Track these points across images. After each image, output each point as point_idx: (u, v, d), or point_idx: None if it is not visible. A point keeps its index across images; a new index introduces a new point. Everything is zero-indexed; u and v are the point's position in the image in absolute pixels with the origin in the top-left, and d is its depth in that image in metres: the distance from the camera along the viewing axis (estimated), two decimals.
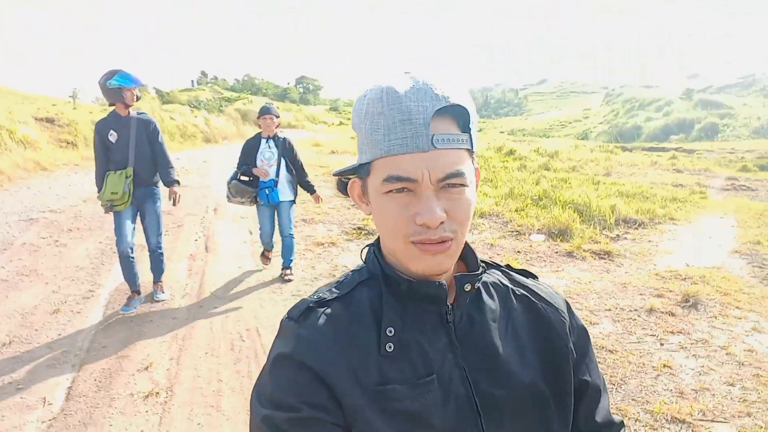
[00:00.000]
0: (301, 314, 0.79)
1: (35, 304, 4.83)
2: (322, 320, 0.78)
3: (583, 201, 8.44)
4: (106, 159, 4.58)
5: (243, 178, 5.42)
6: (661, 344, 4.15)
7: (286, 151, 5.49)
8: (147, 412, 3.31)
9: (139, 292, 4.79)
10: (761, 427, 3.09)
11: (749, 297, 5.20)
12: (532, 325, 0.87)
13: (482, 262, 0.88)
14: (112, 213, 4.55)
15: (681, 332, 4.36)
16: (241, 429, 3.18)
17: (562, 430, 0.84)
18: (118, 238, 4.57)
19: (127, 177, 4.50)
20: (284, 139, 5.51)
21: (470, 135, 0.74)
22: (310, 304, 0.80)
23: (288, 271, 5.63)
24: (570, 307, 0.93)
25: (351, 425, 0.73)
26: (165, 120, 23.49)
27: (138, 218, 4.77)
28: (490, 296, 0.86)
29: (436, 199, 0.71)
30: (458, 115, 0.73)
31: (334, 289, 0.83)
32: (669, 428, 3.07)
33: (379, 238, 0.85)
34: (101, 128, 4.56)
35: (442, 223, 0.72)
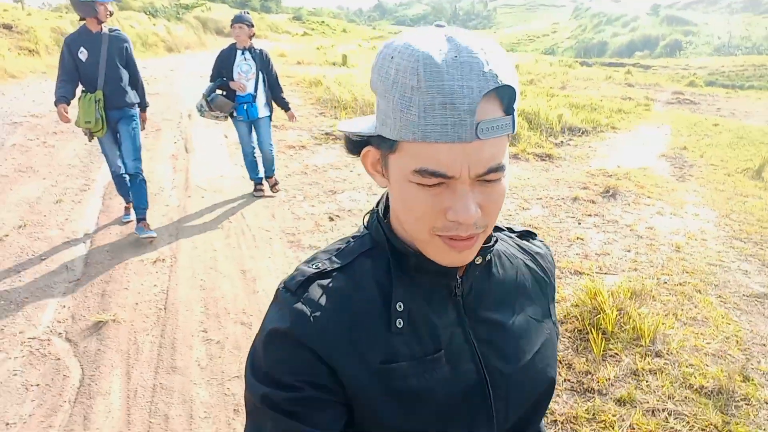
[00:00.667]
0: (300, 286, 0.74)
1: (38, 196, 5.42)
2: (322, 294, 0.73)
3: (533, 111, 9.17)
4: (76, 76, 4.33)
5: (218, 91, 5.29)
6: (579, 223, 5.04)
7: (264, 63, 5.34)
8: (157, 272, 4.06)
9: (132, 202, 4.78)
10: (643, 277, 4.02)
11: (661, 190, 6.13)
12: (537, 297, 0.85)
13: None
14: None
15: (597, 215, 5.26)
16: (236, 284, 3.96)
17: (545, 409, 0.86)
18: (107, 161, 4.61)
19: (96, 101, 4.29)
20: (261, 50, 5.37)
21: (513, 116, 0.64)
22: (309, 275, 0.75)
23: (272, 179, 5.76)
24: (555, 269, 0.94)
25: (354, 404, 0.71)
26: (124, 28, 22.92)
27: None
28: (501, 267, 0.82)
29: (471, 194, 0.64)
30: (504, 96, 0.63)
31: (334, 258, 0.77)
32: (572, 278, 3.97)
33: (385, 203, 0.79)
34: (71, 44, 4.27)
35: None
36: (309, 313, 0.70)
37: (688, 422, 2.58)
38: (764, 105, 14.28)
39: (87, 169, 6.21)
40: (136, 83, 4.54)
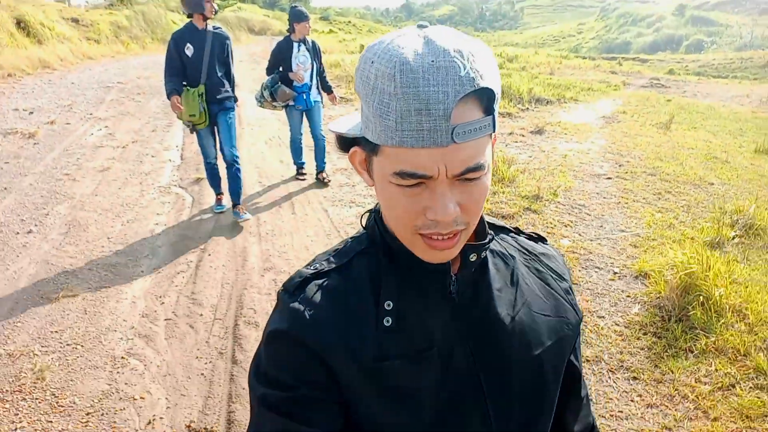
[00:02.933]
0: (297, 287, 0.75)
1: (139, 128, 7.93)
2: (317, 293, 0.74)
3: (506, 84, 11.40)
4: (181, 71, 4.55)
5: (280, 83, 5.46)
6: (506, 146, 7.34)
7: (317, 54, 5.62)
8: None
9: (222, 193, 5.12)
10: (545, 172, 6.27)
11: (579, 132, 8.39)
12: (540, 297, 0.83)
13: (490, 226, 0.83)
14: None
15: (525, 144, 7.55)
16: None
17: (552, 406, 0.84)
18: (203, 153, 4.88)
19: (199, 95, 4.50)
20: (313, 42, 5.63)
21: (494, 117, 0.63)
22: (307, 276, 0.76)
23: (324, 174, 5.96)
24: (569, 274, 0.91)
25: (349, 402, 0.72)
26: (170, 25, 25.71)
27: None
28: (497, 266, 0.81)
29: (450, 194, 0.64)
30: (483, 97, 0.62)
31: (331, 259, 0.78)
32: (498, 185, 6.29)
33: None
34: (177, 39, 4.50)
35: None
36: (305, 312, 0.72)
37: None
38: (726, 89, 16.26)
39: (168, 115, 8.68)
40: (231, 79, 4.79)
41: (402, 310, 0.73)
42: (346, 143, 0.76)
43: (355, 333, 0.72)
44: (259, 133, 8.11)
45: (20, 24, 15.73)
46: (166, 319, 3.51)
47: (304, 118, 5.77)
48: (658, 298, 3.43)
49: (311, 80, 5.56)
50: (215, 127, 4.77)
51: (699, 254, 3.51)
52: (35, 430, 2.58)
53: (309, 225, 4.94)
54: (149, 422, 2.68)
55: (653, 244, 4.39)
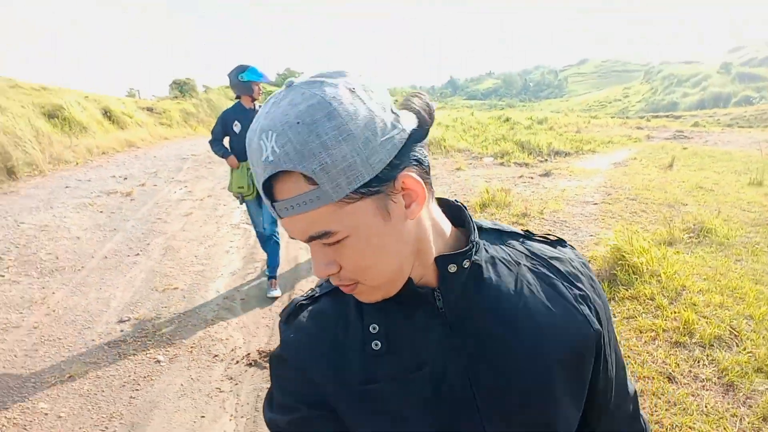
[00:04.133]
0: (290, 314, 0.78)
1: (212, 187, 9.63)
2: (306, 318, 0.76)
3: (525, 139, 12.75)
4: (223, 142, 4.85)
5: None
6: (515, 185, 8.60)
7: None
8: None
9: (276, 277, 5.08)
10: (539, 199, 7.49)
11: (586, 173, 9.56)
12: (547, 306, 0.76)
13: (492, 232, 0.83)
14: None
15: (531, 183, 8.78)
16: None
17: (572, 426, 0.77)
18: (253, 223, 5.06)
19: (248, 169, 4.71)
20: None
21: (325, 184, 0.60)
22: (301, 303, 0.79)
23: None
24: (593, 279, 0.84)
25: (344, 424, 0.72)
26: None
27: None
28: (499, 274, 0.76)
29: (321, 254, 0.66)
30: (300, 174, 0.60)
31: (324, 284, 0.80)
32: (495, 208, 7.53)
33: None
34: (226, 117, 4.76)
35: (339, 271, 0.67)
36: (294, 337, 0.75)
37: None
38: (749, 137, 17.02)
39: None
40: None
41: (390, 332, 0.72)
42: None
43: (342, 357, 0.72)
44: None
45: (106, 113, 18.41)
46: (241, 299, 4.89)
47: None
48: (597, 268, 4.58)
49: None
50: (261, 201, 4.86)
51: (627, 236, 4.66)
52: (164, 355, 3.95)
53: None
54: (232, 350, 4.00)
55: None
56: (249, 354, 3.93)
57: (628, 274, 4.30)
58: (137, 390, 3.49)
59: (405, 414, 0.70)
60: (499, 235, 0.83)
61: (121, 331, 4.31)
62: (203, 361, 3.85)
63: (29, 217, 7.33)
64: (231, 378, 3.63)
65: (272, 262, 5.01)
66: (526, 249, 0.82)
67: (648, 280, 4.26)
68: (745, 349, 3.38)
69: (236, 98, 4.83)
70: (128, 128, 18.32)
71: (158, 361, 3.84)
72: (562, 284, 0.79)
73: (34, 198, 8.45)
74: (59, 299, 4.87)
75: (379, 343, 0.72)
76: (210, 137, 4.89)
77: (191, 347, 4.04)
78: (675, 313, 3.82)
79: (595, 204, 7.13)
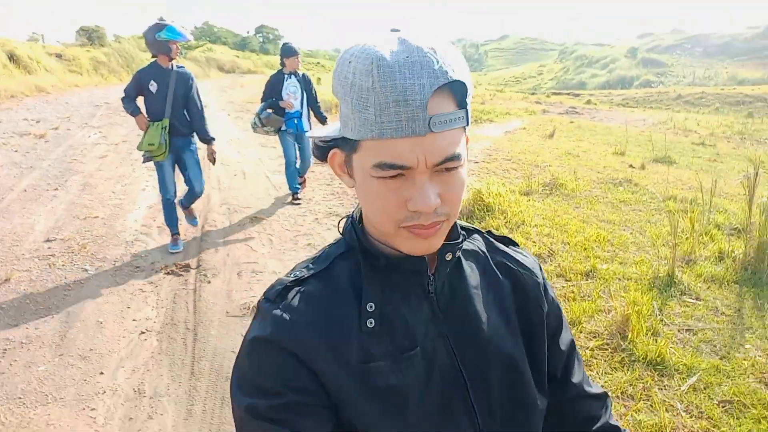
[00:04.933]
0: (278, 295, 0.76)
1: (126, 133, 9.94)
2: (299, 299, 0.75)
3: None
4: (135, 99, 4.74)
5: (269, 110, 5.96)
6: None
7: (307, 85, 6.08)
8: None
9: (178, 233, 5.10)
10: None
11: (478, 139, 10.68)
12: (512, 291, 0.87)
13: (462, 228, 0.87)
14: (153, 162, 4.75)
15: None
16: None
17: (540, 394, 0.85)
18: (162, 187, 4.85)
19: (163, 128, 4.61)
20: (304, 74, 6.10)
21: (467, 110, 0.67)
22: (287, 284, 0.77)
23: (302, 178, 6.69)
24: (542, 270, 0.94)
25: (337, 405, 0.72)
26: (143, 61, 27.91)
27: (178, 168, 4.96)
28: (471, 265, 0.85)
29: (429, 184, 0.67)
30: (457, 91, 0.65)
31: (311, 265, 0.80)
32: None
33: (360, 209, 0.82)
34: (142, 77, 4.69)
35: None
36: (287, 318, 0.73)
37: None
38: (632, 115, 19.02)
39: None
40: (200, 116, 4.88)
41: (384, 312, 0.75)
42: (324, 150, 0.78)
43: (339, 336, 0.73)
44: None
45: (11, 57, 17.73)
46: (157, 227, 5.54)
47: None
48: (461, 208, 5.63)
49: (302, 107, 6.08)
50: (177, 164, 4.90)
51: (486, 183, 5.74)
52: (90, 266, 4.60)
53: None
54: (152, 263, 4.70)
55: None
56: (167, 266, 4.65)
57: (483, 212, 5.37)
58: (69, 290, 4.15)
59: (405, 390, 0.73)
60: (464, 230, 0.88)
61: (49, 248, 4.90)
62: (126, 271, 4.54)
63: None
64: (152, 282, 4.36)
65: (190, 199, 5.14)
66: (488, 244, 0.91)
67: (497, 216, 5.35)
68: (555, 261, 4.51)
69: (152, 57, 4.73)
70: (36, 74, 17.78)
71: (86, 270, 4.50)
72: (522, 274, 0.88)
73: None
74: None
75: (373, 321, 0.74)
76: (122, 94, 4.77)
77: (114, 261, 4.71)
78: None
79: (476, 162, 8.22)
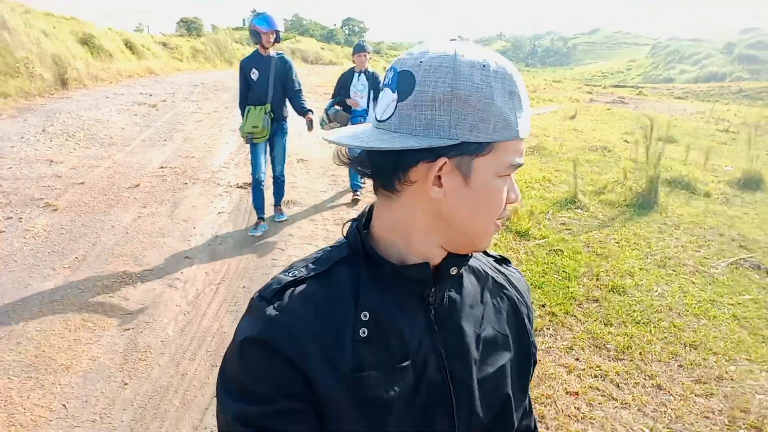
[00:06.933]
0: (274, 293, 0.74)
1: (216, 106, 12.49)
2: (296, 300, 0.74)
3: None
4: (246, 93, 5.04)
5: (337, 107, 6.07)
6: None
7: (375, 84, 6.00)
8: None
9: (264, 219, 5.38)
10: None
11: None
12: (507, 312, 0.88)
13: None
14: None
15: None
16: None
17: (514, 424, 0.87)
18: (254, 167, 5.14)
19: (266, 113, 4.88)
20: (373, 72, 6.08)
21: None
22: (285, 283, 0.75)
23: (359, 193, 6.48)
24: (529, 292, 0.98)
25: (322, 413, 0.70)
26: (235, 51, 31.21)
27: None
28: (471, 281, 0.86)
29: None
30: None
31: (310, 265, 0.78)
32: None
33: (366, 214, 0.82)
34: (245, 66, 4.95)
35: None
36: (282, 319, 0.71)
37: None
38: (677, 106, 19.82)
39: (235, 100, 13.28)
40: (298, 92, 5.16)
41: (379, 321, 0.74)
42: (383, 162, 0.73)
43: (333, 341, 0.71)
44: None
45: (127, 44, 21.08)
46: (234, 164, 7.88)
47: None
48: None
49: (368, 106, 6.03)
50: (268, 146, 5.21)
51: None
52: (189, 181, 6.98)
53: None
54: (228, 182, 7.01)
55: None
56: (237, 183, 6.95)
57: None
58: (175, 193, 6.50)
59: (388, 403, 0.72)
60: None
61: (162, 171, 7.33)
62: (211, 184, 6.88)
63: (86, 113, 10.25)
64: (227, 191, 6.66)
65: (280, 196, 5.62)
66: (489, 264, 0.93)
67: None
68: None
69: (255, 44, 5.01)
70: (145, 59, 21.04)
71: (185, 183, 6.86)
72: (517, 301, 0.91)
73: (84, 102, 11.35)
74: (118, 159, 7.85)
75: (366, 330, 0.73)
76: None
77: (204, 180, 7.06)
78: None
79: None
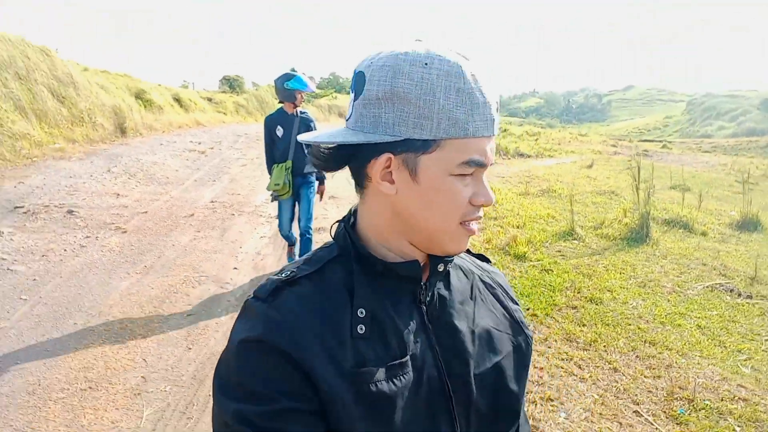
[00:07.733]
0: (270, 293, 0.75)
1: (259, 153, 13.71)
2: (293, 299, 0.74)
3: (502, 144, 16.46)
4: (271, 149, 5.16)
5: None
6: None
7: None
8: None
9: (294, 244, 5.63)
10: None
11: (523, 166, 13.33)
12: (494, 313, 0.89)
13: None
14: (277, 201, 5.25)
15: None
16: None
17: (516, 418, 0.88)
18: (280, 224, 5.37)
19: (286, 169, 5.00)
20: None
21: None
22: (279, 283, 0.76)
23: None
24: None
25: (326, 410, 0.70)
26: (276, 105, 33.09)
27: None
28: (459, 279, 0.88)
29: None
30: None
31: (302, 266, 0.79)
32: None
33: (352, 215, 0.84)
34: (269, 123, 5.10)
35: None
36: (280, 318, 0.72)
37: None
38: (699, 160, 20.38)
39: None
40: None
41: (376, 318, 0.75)
42: (338, 158, 0.77)
43: (333, 339, 0.72)
44: None
45: (176, 99, 22.93)
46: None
47: None
48: None
49: None
50: (296, 201, 5.26)
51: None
52: (235, 213, 8.03)
53: None
54: (269, 216, 8.02)
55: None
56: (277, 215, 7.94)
57: None
58: (224, 221, 7.52)
59: (394, 397, 0.73)
60: None
61: (212, 204, 8.39)
62: (254, 216, 7.89)
63: (143, 157, 11.55)
64: (268, 221, 7.64)
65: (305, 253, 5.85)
66: (473, 262, 0.96)
67: (496, 208, 8.13)
68: (504, 220, 7.24)
69: (279, 102, 5.10)
70: (193, 112, 22.82)
71: (233, 214, 7.89)
72: (503, 296, 0.93)
73: (141, 148, 12.72)
74: (174, 194, 8.97)
75: (363, 327, 0.73)
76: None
77: (248, 212, 8.08)
78: (500, 222, 7.70)
79: (502, 177, 10.95)
